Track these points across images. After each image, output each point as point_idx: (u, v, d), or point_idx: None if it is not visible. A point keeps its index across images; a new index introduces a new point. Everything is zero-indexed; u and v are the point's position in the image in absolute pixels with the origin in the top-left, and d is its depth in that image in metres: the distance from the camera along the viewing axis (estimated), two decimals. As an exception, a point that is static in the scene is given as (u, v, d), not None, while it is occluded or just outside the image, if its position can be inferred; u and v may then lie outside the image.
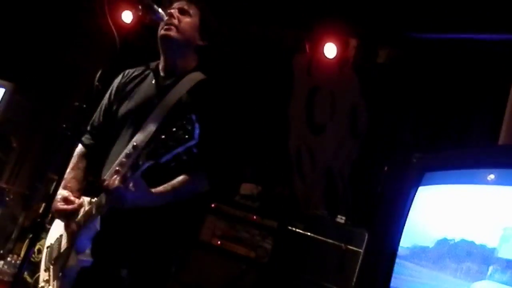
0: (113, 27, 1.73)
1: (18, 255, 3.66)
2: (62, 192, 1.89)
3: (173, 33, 1.98)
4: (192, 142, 1.58)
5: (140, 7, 1.84)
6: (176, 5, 2.03)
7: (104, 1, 1.71)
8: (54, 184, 1.61)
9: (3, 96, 4.28)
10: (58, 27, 5.18)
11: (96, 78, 1.63)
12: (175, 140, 1.58)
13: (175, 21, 1.97)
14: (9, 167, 4.59)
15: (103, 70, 1.66)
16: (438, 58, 3.52)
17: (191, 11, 2.02)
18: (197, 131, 1.57)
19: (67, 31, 5.13)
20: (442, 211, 1.61)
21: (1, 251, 3.71)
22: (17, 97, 4.45)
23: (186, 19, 2.01)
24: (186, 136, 1.57)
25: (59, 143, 1.63)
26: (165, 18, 1.93)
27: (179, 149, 1.59)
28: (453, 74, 3.43)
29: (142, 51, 2.75)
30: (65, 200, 1.87)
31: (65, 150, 1.68)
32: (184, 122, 1.58)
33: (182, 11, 2.01)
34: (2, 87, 4.34)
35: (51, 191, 1.59)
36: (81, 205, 1.88)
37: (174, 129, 1.58)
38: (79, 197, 1.91)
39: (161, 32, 1.99)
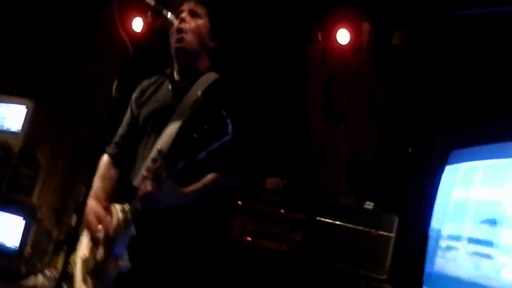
0: (125, 36, 1.75)
1: (56, 268, 3.76)
2: (92, 205, 1.92)
3: (186, 43, 1.99)
4: (227, 137, 1.60)
5: (149, 13, 1.85)
6: (185, 7, 2.03)
7: (114, 11, 1.72)
8: (83, 196, 1.63)
9: (25, 114, 4.39)
10: (72, 40, 5.26)
11: (113, 89, 1.65)
12: (209, 136, 1.59)
13: (186, 26, 1.98)
14: (39, 183, 4.71)
15: (119, 80, 1.68)
16: (455, 33, 3.44)
17: (200, 12, 2.02)
18: (230, 126, 1.59)
19: (81, 43, 5.21)
20: (473, 189, 1.58)
21: (39, 266, 3.81)
22: (39, 114, 4.55)
23: (198, 22, 2.01)
24: (221, 132, 1.59)
25: (84, 155, 1.65)
26: (175, 22, 1.94)
27: (215, 145, 1.60)
28: (471, 49, 3.34)
29: (156, 56, 2.77)
30: (96, 214, 1.90)
31: (91, 162, 1.70)
32: (216, 118, 1.59)
33: (192, 13, 2.01)
34: (24, 105, 4.45)
35: (81, 203, 1.62)
36: (112, 214, 1.91)
37: (206, 127, 1.60)
38: (109, 207, 1.94)
39: (174, 44, 2.00)
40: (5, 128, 4.47)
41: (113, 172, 2.07)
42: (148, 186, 1.73)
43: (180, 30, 1.97)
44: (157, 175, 1.72)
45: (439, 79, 3.54)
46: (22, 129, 4.37)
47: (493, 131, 1.62)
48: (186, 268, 1.94)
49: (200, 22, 2.01)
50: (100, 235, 1.90)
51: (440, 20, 3.37)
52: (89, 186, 1.63)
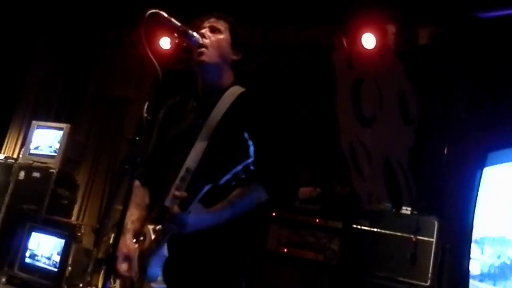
0: (152, 57, 1.77)
1: (96, 287, 3.82)
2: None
3: (206, 57, 1.99)
4: (249, 160, 1.58)
5: (175, 34, 1.87)
6: (206, 23, 2.04)
7: (141, 33, 1.74)
8: (120, 216, 1.66)
9: (62, 137, 4.52)
10: (102, 64, 5.40)
11: (144, 110, 1.67)
12: (231, 160, 1.58)
13: (207, 41, 1.99)
14: (77, 203, 4.83)
15: (150, 101, 1.70)
16: (480, 30, 3.35)
17: (221, 28, 2.03)
18: (252, 149, 1.57)
19: (111, 67, 5.34)
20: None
21: (81, 285, 3.89)
22: (76, 137, 4.68)
23: (218, 36, 2.02)
24: (242, 155, 1.57)
25: (119, 177, 1.67)
26: (200, 42, 1.95)
27: (237, 169, 1.59)
28: (499, 45, 3.25)
29: (185, 73, 2.79)
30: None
31: (126, 183, 1.72)
32: (238, 142, 1.59)
33: (212, 29, 2.02)
34: (61, 129, 4.58)
35: (117, 223, 1.64)
36: (145, 235, 1.92)
37: (228, 150, 1.59)
38: (143, 230, 1.96)
39: (196, 58, 2.01)
40: (43, 151, 4.61)
41: (146, 199, 2.09)
42: (176, 208, 1.73)
43: (200, 46, 1.98)
44: (184, 198, 1.73)
45: (471, 77, 3.45)
46: (59, 152, 4.49)
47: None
48: (222, 285, 1.93)
49: (220, 37, 2.02)
50: (128, 277, 1.90)
51: (465, 18, 3.29)
52: (125, 207, 1.65)
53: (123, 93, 5.18)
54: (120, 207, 1.67)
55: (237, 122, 1.88)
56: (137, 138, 1.65)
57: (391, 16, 3.88)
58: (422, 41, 3.87)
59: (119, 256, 1.88)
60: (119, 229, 1.68)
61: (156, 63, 1.76)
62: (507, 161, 1.59)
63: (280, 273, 3.25)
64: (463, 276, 1.64)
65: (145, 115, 1.66)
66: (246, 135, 1.58)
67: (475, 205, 1.62)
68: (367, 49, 3.93)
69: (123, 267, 1.88)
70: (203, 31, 2.00)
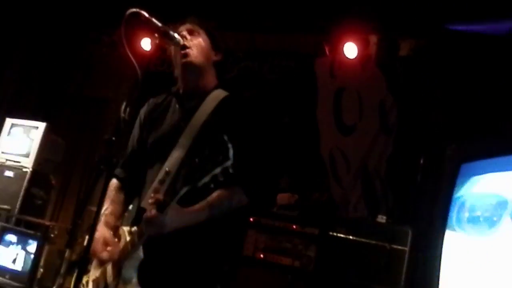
0: (132, 58, 1.75)
1: (69, 289, 3.76)
2: (100, 231, 1.91)
3: (191, 58, 1.99)
4: (228, 163, 1.58)
5: (156, 35, 1.86)
6: (183, 28, 2.05)
7: (121, 33, 1.73)
8: (94, 217, 1.63)
9: (38, 136, 4.44)
10: (83, 63, 5.34)
11: (122, 110, 1.65)
12: (210, 163, 1.59)
13: (190, 42, 2.00)
14: (51, 204, 4.74)
15: (128, 101, 1.68)
16: (461, 44, 3.43)
17: (198, 30, 2.05)
18: (231, 151, 1.58)
19: (91, 67, 5.29)
20: (486, 202, 1.56)
21: (52, 287, 3.82)
22: (52, 136, 4.60)
23: (198, 38, 2.03)
24: (221, 158, 1.57)
25: (95, 177, 1.65)
26: (181, 43, 1.95)
27: (215, 171, 1.59)
28: (479, 59, 3.33)
29: (165, 75, 2.78)
30: (104, 240, 1.89)
31: (101, 183, 1.70)
32: (217, 144, 1.59)
33: (190, 32, 2.03)
34: (37, 127, 4.50)
35: (91, 225, 1.62)
36: (120, 236, 1.90)
37: (207, 152, 1.59)
38: (118, 229, 1.94)
39: (181, 60, 2.01)
40: (17, 150, 4.52)
41: (121, 195, 2.07)
42: (153, 210, 1.72)
43: (184, 47, 1.98)
44: (161, 200, 1.72)
45: (449, 89, 3.52)
46: (34, 151, 4.41)
47: (504, 143, 1.60)
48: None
49: (200, 38, 2.03)
50: (107, 259, 1.89)
51: (447, 32, 3.36)
52: (99, 207, 1.62)
53: (102, 94, 5.13)
54: (95, 209, 1.65)
55: (219, 126, 1.88)
56: (113, 138, 1.63)
57: (373, 27, 3.93)
58: (403, 53, 3.93)
59: (99, 243, 1.86)
60: (93, 230, 1.66)
61: (135, 63, 1.75)
62: (479, 173, 1.63)
63: (256, 279, 3.25)
64: (434, 285, 1.66)
65: (122, 115, 1.65)
66: (225, 137, 1.59)
67: (447, 215, 1.65)
68: (349, 59, 3.97)
69: (104, 253, 1.86)
70: (183, 33, 2.01)
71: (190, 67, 2.01)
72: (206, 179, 1.60)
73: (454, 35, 3.32)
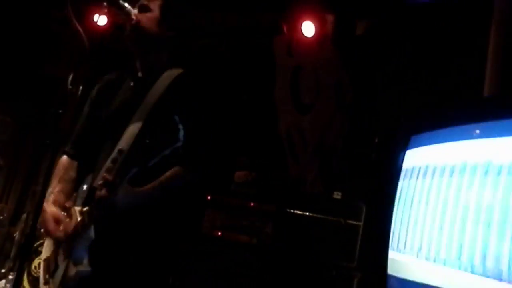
0: (81, 30, 1.70)
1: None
2: (49, 209, 1.87)
3: (142, 29, 1.96)
4: (178, 144, 1.58)
5: (105, 4, 1.81)
6: (137, 4, 2.01)
7: (69, 7, 1.68)
8: (39, 197, 1.59)
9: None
10: (31, 40, 5.12)
11: (69, 82, 1.61)
12: (160, 143, 1.58)
13: (139, 17, 1.97)
14: (0, 186, 4.57)
15: (75, 73, 1.63)
16: (415, 21, 3.50)
17: (151, 6, 2.01)
18: (181, 133, 1.58)
19: (41, 43, 5.08)
20: (429, 173, 1.61)
21: (3, 270, 3.70)
22: (-1, 114, 4.42)
23: (147, 14, 2.00)
24: (171, 139, 1.57)
25: (44, 155, 1.61)
26: (132, 13, 1.90)
27: (165, 152, 1.59)
28: (430, 35, 3.41)
29: (119, 52, 2.71)
30: (54, 218, 1.86)
31: (48, 160, 1.65)
32: (168, 125, 1.58)
33: (141, 8, 2.00)
34: (-16, 106, 4.31)
35: (36, 205, 1.57)
36: (71, 216, 1.87)
37: (158, 133, 1.59)
38: (68, 209, 1.90)
39: (131, 31, 1.97)
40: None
41: (72, 173, 2.03)
42: (103, 191, 1.70)
43: (133, 20, 1.94)
44: (111, 180, 1.70)
45: (403, 66, 3.59)
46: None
47: (452, 115, 1.66)
48: (152, 268, 1.91)
49: (149, 14, 2.00)
50: (62, 238, 1.86)
51: (398, 8, 3.42)
52: (45, 187, 1.58)
53: (53, 71, 4.96)
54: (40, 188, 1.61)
55: (172, 105, 1.87)
56: (60, 111, 1.59)
57: (331, 6, 3.95)
58: (359, 32, 3.98)
59: (51, 222, 1.82)
60: (38, 210, 1.62)
61: (83, 35, 1.70)
62: (429, 144, 1.68)
63: (214, 256, 3.26)
64: (383, 257, 1.73)
65: (70, 87, 1.60)
66: (176, 118, 1.59)
67: (395, 189, 1.70)
68: (307, 37, 3.98)
69: (57, 232, 1.84)
70: (133, 11, 1.97)
71: (141, 38, 1.97)
72: (155, 159, 1.60)
73: (404, 9, 3.38)
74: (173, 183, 1.85)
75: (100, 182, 1.74)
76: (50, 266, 1.93)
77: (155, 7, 2.00)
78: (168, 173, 1.83)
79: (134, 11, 1.95)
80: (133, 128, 1.88)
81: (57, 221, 1.87)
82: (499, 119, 1.47)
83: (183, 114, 1.62)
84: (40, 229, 1.96)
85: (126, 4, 1.89)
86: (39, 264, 2.25)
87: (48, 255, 1.97)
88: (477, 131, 1.53)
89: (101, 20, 4.27)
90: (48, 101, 4.87)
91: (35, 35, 5.11)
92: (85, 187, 2.03)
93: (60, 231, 1.85)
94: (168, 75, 1.99)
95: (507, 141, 1.42)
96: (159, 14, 2.00)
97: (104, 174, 1.76)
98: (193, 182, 1.93)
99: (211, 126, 1.95)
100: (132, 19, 1.92)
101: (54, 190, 1.93)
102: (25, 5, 4.91)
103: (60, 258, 1.89)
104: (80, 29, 1.73)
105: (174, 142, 1.58)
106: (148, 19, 1.98)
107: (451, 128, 1.55)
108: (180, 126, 1.58)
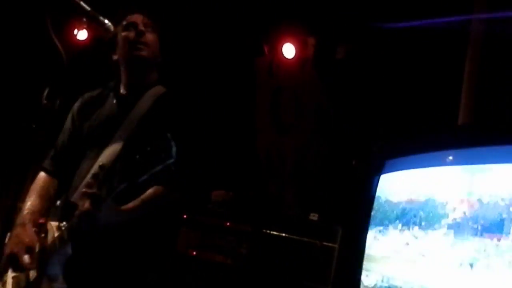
0: (57, 42, 1.69)
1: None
2: (26, 233, 1.81)
3: (145, 52, 1.97)
4: (171, 161, 1.57)
5: (84, 19, 1.80)
6: (138, 19, 2.01)
7: (46, 17, 1.67)
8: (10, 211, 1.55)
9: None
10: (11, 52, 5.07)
11: (44, 96, 1.58)
12: (151, 160, 1.57)
13: (147, 38, 1.98)
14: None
15: (50, 87, 1.61)
16: (395, 47, 3.58)
17: (151, 27, 2.03)
18: (174, 149, 1.57)
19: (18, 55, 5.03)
20: (403, 196, 1.64)
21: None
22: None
23: (153, 34, 2.01)
24: (163, 156, 1.56)
25: (15, 167, 1.57)
26: (112, 29, 1.90)
27: (157, 169, 1.58)
28: (407, 62, 3.49)
29: (98, 67, 2.70)
30: (23, 243, 1.79)
31: (19, 175, 1.62)
32: (160, 141, 1.57)
33: (146, 25, 2.01)
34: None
35: (5, 220, 1.54)
36: (47, 231, 1.83)
37: (149, 149, 1.57)
38: (45, 224, 1.87)
39: (134, 52, 1.97)
40: None
41: (50, 189, 2.00)
42: (87, 204, 1.67)
43: (140, 43, 1.96)
44: (96, 195, 1.67)
45: (380, 91, 3.66)
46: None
47: (426, 141, 1.69)
48: (127, 286, 1.88)
49: (154, 35, 2.02)
50: (29, 265, 1.80)
51: (377, 33, 3.50)
52: (15, 200, 1.54)
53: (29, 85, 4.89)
54: (21, 205, 1.58)
55: (159, 123, 1.87)
56: (34, 125, 1.56)
57: (312, 29, 4.02)
58: (340, 56, 4.04)
59: (21, 248, 1.77)
60: (8, 225, 1.58)
61: (60, 48, 1.69)
62: (402, 169, 1.71)
63: (188, 276, 3.22)
64: (355, 279, 1.73)
65: (45, 101, 1.58)
66: (169, 135, 1.58)
67: (370, 212, 1.72)
68: (287, 59, 4.04)
69: (26, 258, 1.76)
70: (142, 28, 1.98)
71: (141, 62, 1.99)
72: (145, 176, 1.58)
73: (381, 34, 3.46)
74: (155, 202, 1.83)
75: (84, 196, 1.71)
76: (21, 283, 1.88)
77: (154, 29, 2.02)
78: (150, 191, 1.81)
79: (143, 29, 1.96)
80: (115, 145, 1.86)
81: (31, 251, 1.81)
82: (472, 147, 1.51)
83: (175, 132, 1.62)
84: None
85: (106, 21, 1.89)
86: (5, 281, 2.19)
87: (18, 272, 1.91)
88: (450, 158, 1.57)
89: (80, 34, 4.28)
90: (21, 115, 4.80)
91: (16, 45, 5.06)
92: (58, 202, 2.00)
93: (31, 263, 1.79)
94: (153, 93, 2.00)
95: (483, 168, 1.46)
96: (157, 38, 2.02)
97: (85, 189, 1.73)
98: (174, 202, 1.92)
99: (197, 146, 1.95)
100: (141, 39, 1.94)
101: (32, 208, 1.90)
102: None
103: (32, 274, 1.83)
104: (57, 42, 1.71)
105: (167, 159, 1.57)
106: (154, 40, 2.00)
107: (425, 154, 1.58)
108: (173, 143, 1.57)
